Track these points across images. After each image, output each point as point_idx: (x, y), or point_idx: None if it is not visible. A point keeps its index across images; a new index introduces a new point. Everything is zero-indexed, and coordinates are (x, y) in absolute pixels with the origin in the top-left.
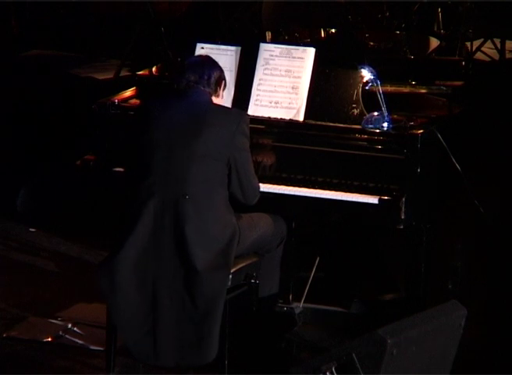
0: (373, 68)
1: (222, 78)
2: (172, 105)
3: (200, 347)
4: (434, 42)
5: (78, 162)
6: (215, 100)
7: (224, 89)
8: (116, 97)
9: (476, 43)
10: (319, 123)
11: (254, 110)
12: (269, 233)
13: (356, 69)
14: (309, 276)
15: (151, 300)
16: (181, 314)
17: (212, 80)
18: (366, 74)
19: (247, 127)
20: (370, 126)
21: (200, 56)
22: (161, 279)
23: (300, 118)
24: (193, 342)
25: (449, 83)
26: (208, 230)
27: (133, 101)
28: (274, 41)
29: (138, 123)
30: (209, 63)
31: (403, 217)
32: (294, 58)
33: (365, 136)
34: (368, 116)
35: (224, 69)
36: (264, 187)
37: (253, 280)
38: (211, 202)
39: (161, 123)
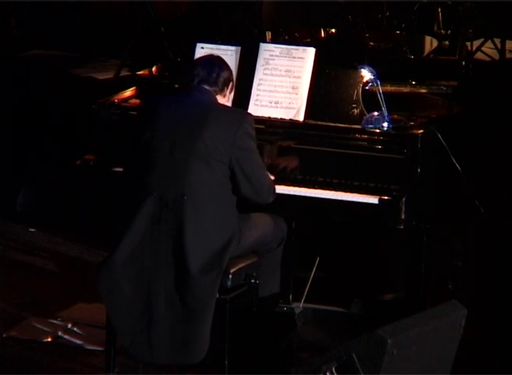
0: (373, 68)
1: (230, 79)
2: (175, 103)
3: (188, 346)
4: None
5: (78, 162)
6: (220, 100)
7: (231, 91)
8: (116, 97)
9: (476, 43)
10: (319, 123)
11: (254, 110)
12: (269, 233)
13: (356, 69)
14: (309, 276)
15: (145, 298)
16: (173, 313)
17: (221, 79)
18: (366, 74)
19: (250, 127)
20: (370, 126)
21: (211, 55)
22: (155, 277)
23: (300, 118)
24: (182, 341)
25: (445, 82)
26: (205, 231)
27: (133, 101)
28: (274, 41)
29: (141, 121)
30: (220, 62)
31: (403, 217)
32: (294, 58)
33: (365, 136)
34: (368, 116)
35: None
36: None
37: (253, 280)
38: (210, 203)
39: (163, 122)
